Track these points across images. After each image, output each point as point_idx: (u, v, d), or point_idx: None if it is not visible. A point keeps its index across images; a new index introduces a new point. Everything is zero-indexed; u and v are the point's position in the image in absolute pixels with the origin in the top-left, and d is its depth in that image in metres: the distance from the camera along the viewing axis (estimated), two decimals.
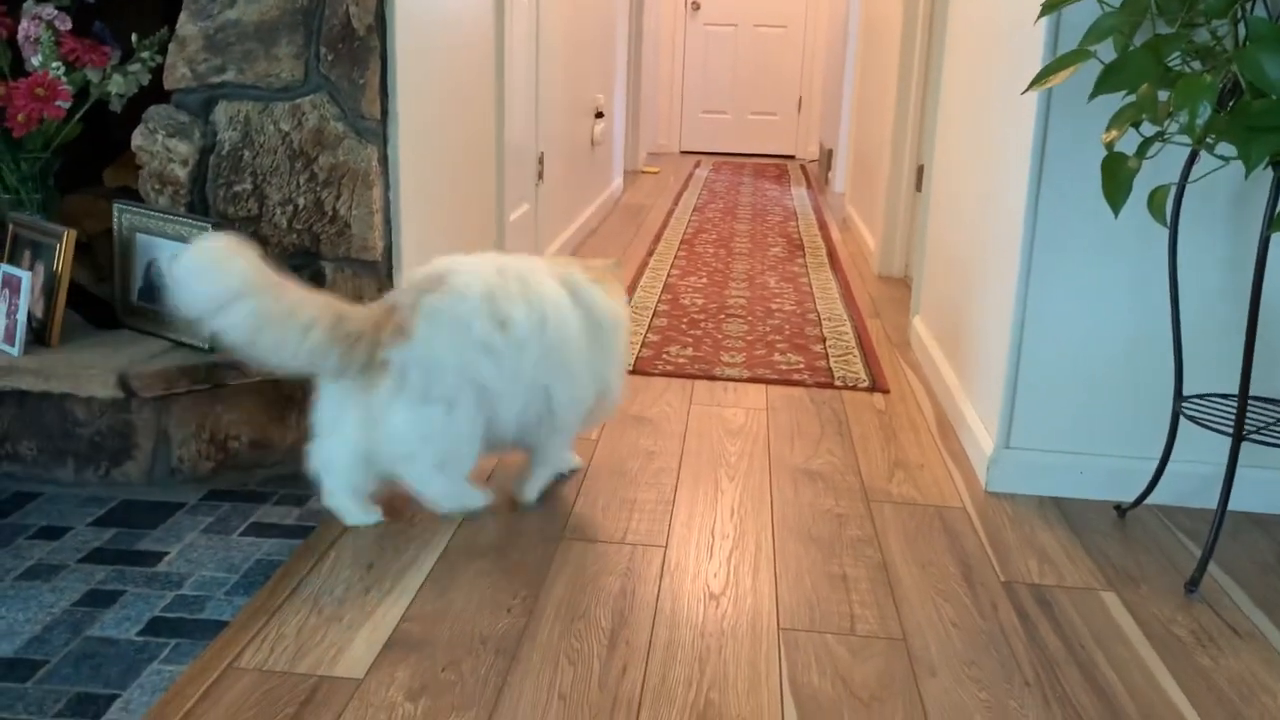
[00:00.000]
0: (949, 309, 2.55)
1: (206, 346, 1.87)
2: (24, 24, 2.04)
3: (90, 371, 1.77)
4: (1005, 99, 2.11)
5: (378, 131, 1.99)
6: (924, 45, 3.55)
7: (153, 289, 1.95)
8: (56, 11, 2.05)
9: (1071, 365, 1.97)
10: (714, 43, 7.54)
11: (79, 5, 2.17)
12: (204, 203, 2.00)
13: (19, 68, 2.06)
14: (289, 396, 1.96)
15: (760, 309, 3.26)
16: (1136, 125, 1.63)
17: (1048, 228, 1.91)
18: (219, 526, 1.74)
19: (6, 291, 1.84)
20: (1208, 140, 1.55)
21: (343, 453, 1.65)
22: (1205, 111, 1.46)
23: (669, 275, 3.66)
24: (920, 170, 3.67)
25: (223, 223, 1.99)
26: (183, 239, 1.88)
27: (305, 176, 1.98)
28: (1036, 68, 1.87)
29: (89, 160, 2.28)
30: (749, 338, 2.94)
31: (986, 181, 2.24)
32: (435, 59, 2.23)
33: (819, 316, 3.19)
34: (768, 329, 3.04)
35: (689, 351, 2.78)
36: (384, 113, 2.00)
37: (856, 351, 2.84)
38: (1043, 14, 1.70)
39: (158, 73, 2.03)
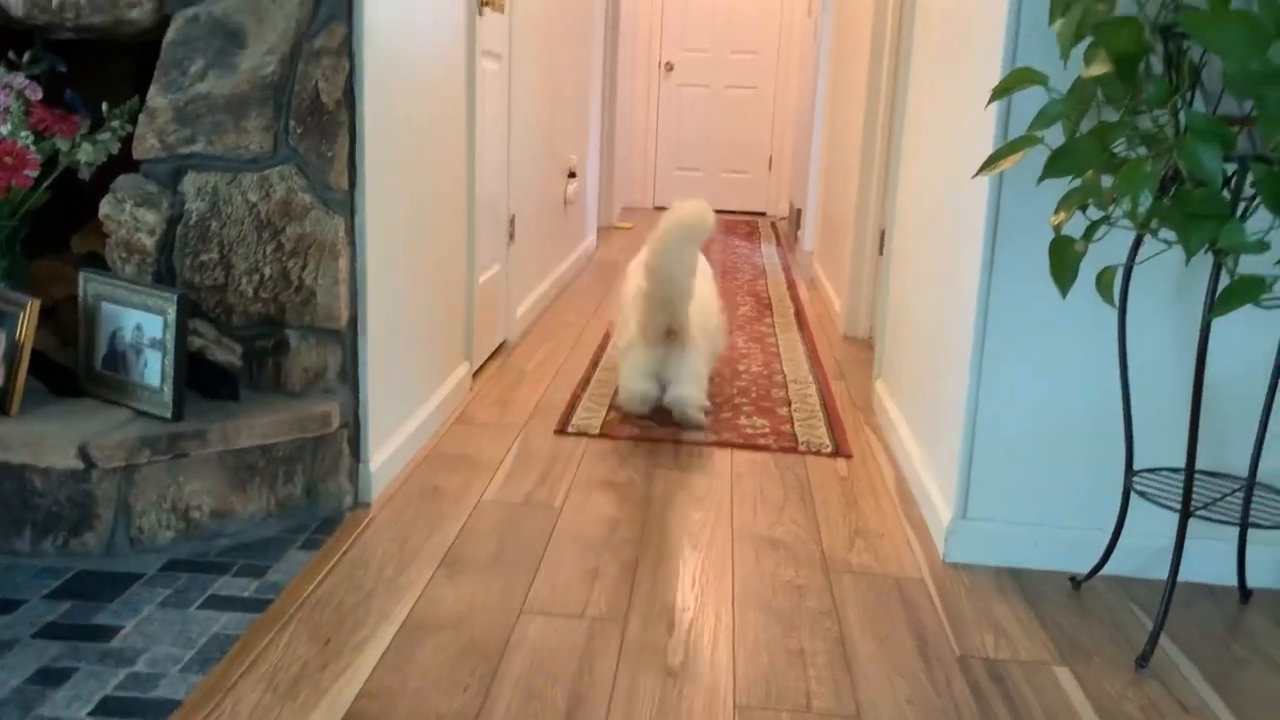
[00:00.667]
0: (909, 375, 2.59)
1: (169, 415, 1.88)
2: None
3: (49, 441, 1.77)
4: (960, 173, 2.17)
5: (345, 202, 2.02)
6: (886, 113, 3.63)
7: (116, 357, 1.95)
8: (28, 81, 2.07)
9: (1027, 437, 2.00)
10: (687, 103, 7.65)
11: (50, 74, 2.19)
12: (170, 271, 2.02)
13: None
14: (251, 465, 1.96)
15: (728, 370, 3.29)
16: (1083, 209, 1.68)
17: (1002, 301, 1.95)
18: (176, 599, 1.74)
19: None
20: (1151, 225, 1.60)
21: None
22: (1147, 199, 1.51)
23: None
24: (883, 234, 3.74)
25: (189, 292, 2.01)
26: (147, 309, 1.90)
27: (272, 246, 2.00)
28: (990, 148, 1.93)
29: (57, 225, 2.29)
30: (717, 400, 2.96)
31: (942, 252, 2.28)
32: (406, 128, 2.27)
33: (785, 379, 3.22)
34: (735, 391, 3.06)
35: (656, 416, 2.80)
36: (352, 184, 2.03)
37: (821, 415, 2.87)
38: (992, 99, 1.75)
39: (127, 141, 2.05)
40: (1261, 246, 1.44)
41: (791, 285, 4.85)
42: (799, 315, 4.18)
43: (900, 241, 2.89)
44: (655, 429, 2.68)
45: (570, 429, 2.66)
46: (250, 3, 1.92)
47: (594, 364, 3.28)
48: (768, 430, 2.72)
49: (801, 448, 2.61)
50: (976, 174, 1.72)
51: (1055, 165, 1.64)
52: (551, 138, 4.13)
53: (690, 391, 2.66)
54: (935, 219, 2.41)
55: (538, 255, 3.96)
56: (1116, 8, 1.65)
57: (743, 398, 3.00)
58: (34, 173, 2.02)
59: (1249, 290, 1.46)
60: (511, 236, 3.41)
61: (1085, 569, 2.01)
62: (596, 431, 2.65)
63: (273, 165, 1.97)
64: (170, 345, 1.87)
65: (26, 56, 2.13)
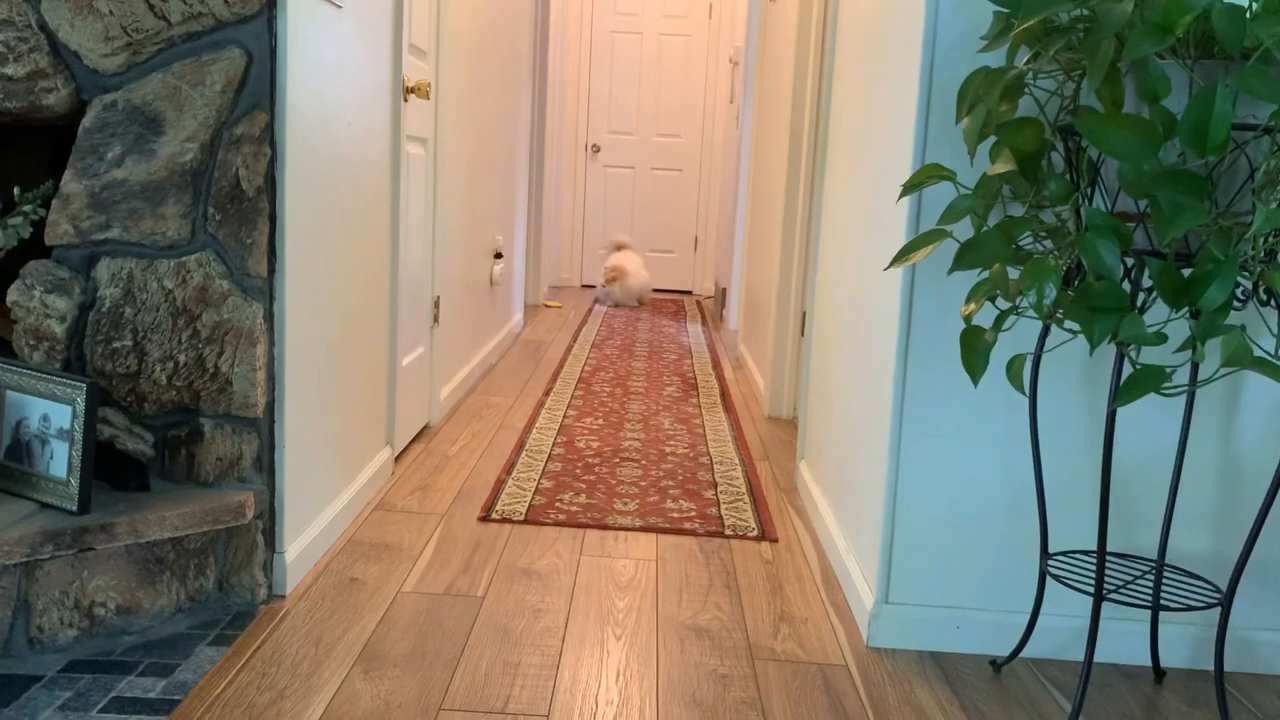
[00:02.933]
0: (830, 458, 2.62)
1: (74, 508, 1.81)
2: None
3: None
4: (875, 261, 2.22)
5: (264, 289, 2.00)
6: (806, 198, 3.73)
7: (20, 448, 1.89)
8: None
9: (946, 520, 2.03)
10: (613, 183, 7.76)
11: None
12: (81, 359, 1.97)
13: None
14: (160, 559, 1.90)
15: (655, 452, 3.29)
16: (992, 299, 1.73)
17: (918, 388, 2.00)
18: (77, 703, 1.66)
19: None
20: (1057, 315, 1.65)
21: None
22: (1051, 292, 1.57)
23: (565, 416, 3.68)
24: (804, 316, 3.80)
25: (99, 379, 1.96)
26: (55, 398, 1.84)
27: (188, 334, 1.96)
28: (902, 238, 1.98)
29: None
30: (643, 483, 2.96)
31: (859, 338, 2.33)
32: (328, 213, 2.26)
33: (711, 460, 3.23)
34: (661, 473, 3.06)
35: (582, 499, 2.78)
36: (271, 270, 2.01)
37: (747, 498, 2.88)
38: (903, 194, 1.81)
39: (40, 226, 2.01)
40: (1160, 339, 1.49)
41: (717, 365, 4.89)
42: (724, 396, 4.22)
43: (820, 325, 2.94)
44: (580, 515, 2.67)
45: (494, 515, 2.63)
46: (170, 90, 1.91)
47: (520, 446, 3.26)
48: (694, 513, 2.72)
49: (728, 531, 2.61)
50: (889, 266, 1.77)
51: (964, 258, 1.69)
52: (477, 220, 4.15)
53: None
54: (852, 305, 2.47)
55: (463, 337, 3.95)
56: (1017, 109, 1.72)
57: (669, 480, 3.00)
58: None
59: (1150, 380, 1.51)
60: (436, 319, 3.40)
61: (1005, 651, 2.03)
62: (521, 517, 2.62)
63: (190, 252, 1.95)
64: (78, 436, 1.81)
65: None
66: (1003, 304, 1.79)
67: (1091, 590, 1.75)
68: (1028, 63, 1.67)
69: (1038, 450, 1.84)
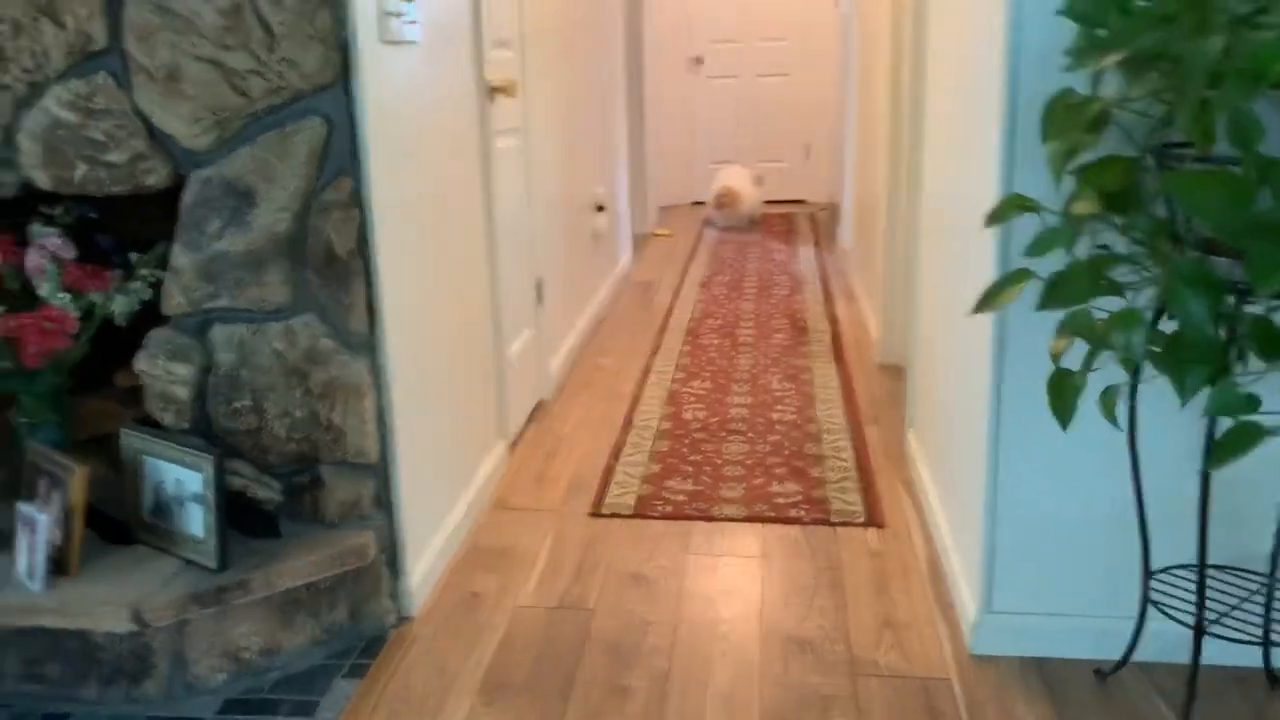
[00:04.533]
0: (934, 441, 2.61)
1: (214, 566, 1.98)
2: (30, 254, 2.16)
3: (105, 608, 1.88)
4: (966, 246, 2.17)
5: (367, 344, 2.09)
6: (909, 132, 3.61)
7: (162, 508, 2.05)
8: (60, 240, 2.17)
9: (1048, 528, 2.02)
10: (719, 94, 7.61)
11: (81, 221, 2.29)
12: (206, 418, 2.11)
13: (29, 291, 2.18)
14: (295, 600, 2.06)
15: (762, 421, 3.32)
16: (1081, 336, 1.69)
17: (1015, 392, 1.97)
18: None
19: (26, 530, 1.95)
20: (1145, 362, 1.60)
21: None
22: (1140, 343, 1.52)
23: (672, 380, 3.74)
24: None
25: (224, 436, 2.10)
26: (185, 464, 1.99)
27: (301, 391, 2.08)
28: (990, 256, 1.93)
29: (101, 360, 2.38)
30: (748, 461, 3.01)
31: (956, 329, 2.29)
32: (423, 251, 2.33)
33: (819, 429, 3.25)
34: (768, 447, 3.10)
35: (689, 485, 2.85)
36: (372, 326, 2.10)
37: (854, 475, 2.90)
38: (988, 224, 1.76)
39: (159, 285, 2.13)
40: (1252, 405, 1.44)
41: (829, 299, 4.84)
42: (835, 340, 4.19)
43: (922, 291, 2.89)
44: (687, 505, 2.74)
45: (604, 509, 2.73)
46: (258, 163, 1.99)
47: (627, 423, 3.33)
48: (800, 498, 2.76)
49: (834, 518, 2.65)
50: (974, 311, 1.74)
51: (1051, 297, 1.64)
52: (576, 180, 4.17)
53: None
54: (948, 289, 2.42)
55: (569, 304, 4.02)
56: (1102, 136, 1.64)
57: (775, 456, 3.04)
58: (73, 332, 2.12)
59: (1247, 439, 1.46)
60: (540, 298, 3.47)
61: (1111, 655, 2.03)
62: (630, 511, 2.72)
63: (295, 315, 2.05)
64: (210, 500, 1.96)
65: (59, 209, 2.22)
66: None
67: (1190, 624, 1.73)
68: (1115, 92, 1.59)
69: (1137, 471, 1.80)
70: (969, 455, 2.18)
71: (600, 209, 4.61)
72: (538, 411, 3.47)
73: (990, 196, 1.95)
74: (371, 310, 2.09)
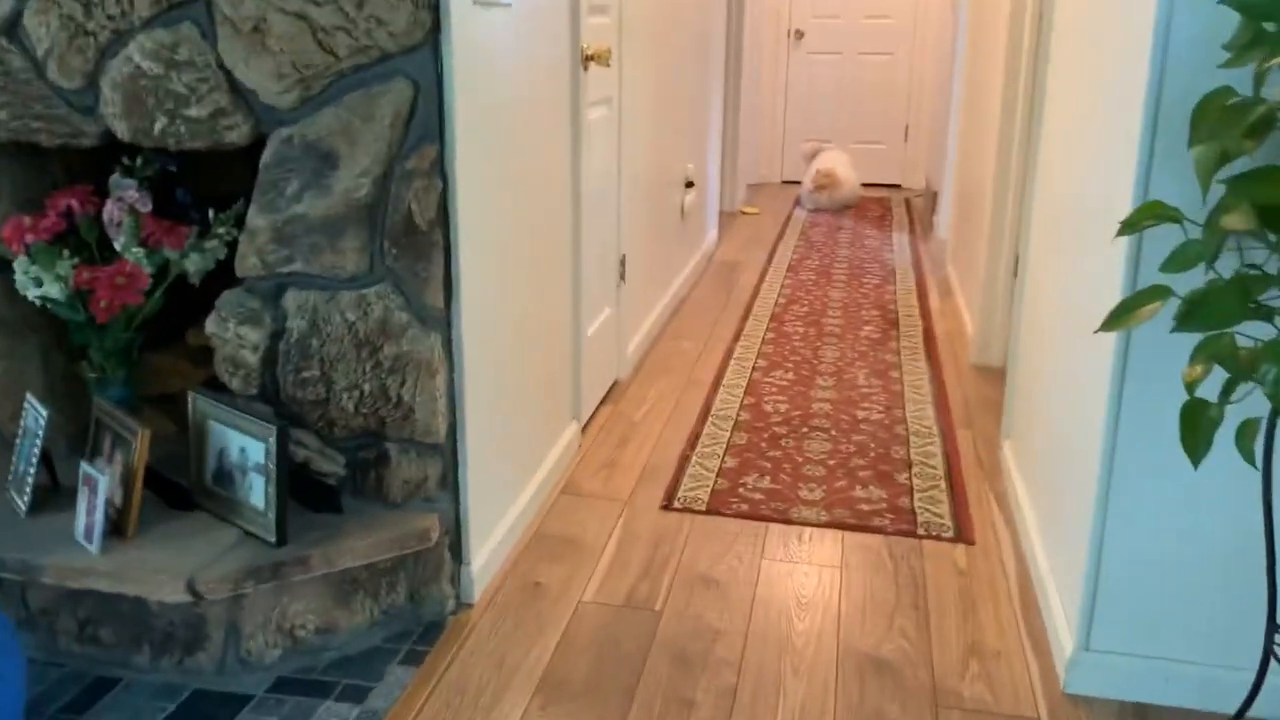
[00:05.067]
0: (1033, 455, 2.44)
1: (273, 540, 1.91)
2: (109, 206, 2.11)
3: (160, 577, 1.83)
4: (1087, 244, 2.00)
5: (442, 319, 2.00)
6: (1024, 118, 3.41)
7: (224, 475, 2.00)
8: (138, 194, 2.11)
9: (1160, 565, 1.85)
10: (818, 71, 7.38)
11: (162, 173, 2.23)
12: (274, 385, 2.04)
13: (105, 243, 2.13)
14: (354, 579, 1.99)
15: (846, 418, 3.17)
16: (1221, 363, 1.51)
17: (1135, 413, 1.80)
18: None
19: (87, 489, 1.91)
20: None
21: None
22: None
23: (754, 369, 3.60)
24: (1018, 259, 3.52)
25: (290, 405, 2.03)
26: (250, 434, 1.93)
27: (371, 364, 2.00)
28: (1119, 264, 1.76)
29: (172, 317, 2.34)
30: (830, 461, 2.87)
31: (1069, 336, 2.12)
32: (505, 225, 2.23)
33: (908, 430, 3.09)
34: (852, 448, 2.96)
35: (766, 483, 2.73)
36: (448, 301, 2.00)
37: (944, 484, 2.74)
38: (1122, 233, 1.60)
39: (234, 246, 2.07)
40: None
41: (923, 292, 4.65)
42: (928, 337, 4.01)
43: (1031, 296, 2.71)
44: (763, 504, 2.62)
45: (676, 503, 2.62)
46: (342, 125, 1.90)
47: (705, 412, 3.21)
48: (884, 505, 2.62)
49: (920, 531, 2.50)
50: (1100, 329, 1.57)
51: (1190, 318, 1.48)
52: (666, 156, 4.03)
53: None
54: (1063, 295, 2.24)
55: (651, 283, 3.90)
56: (1263, 144, 1.46)
57: (860, 458, 2.90)
58: (145, 288, 2.07)
59: None
60: (622, 277, 3.35)
61: (1218, 708, 1.86)
62: (703, 507, 2.60)
63: (369, 285, 1.97)
64: (273, 473, 1.90)
65: (139, 160, 2.17)
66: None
67: None
68: None
69: (1271, 520, 1.63)
70: (1076, 478, 2.01)
71: (689, 185, 4.47)
72: (613, 393, 3.36)
73: (1123, 201, 1.78)
74: (449, 285, 1.99)
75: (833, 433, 3.07)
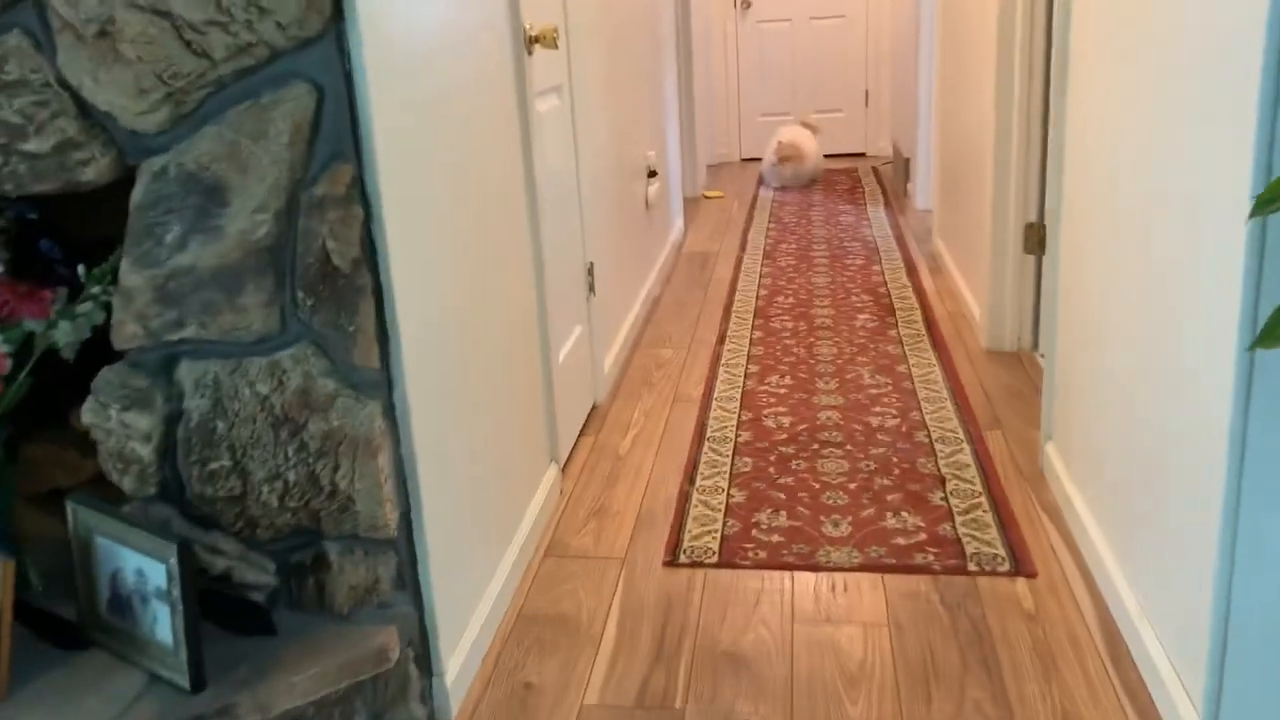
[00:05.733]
0: (1100, 464, 2.07)
1: (187, 686, 1.49)
2: None
3: None
4: (1179, 271, 1.62)
5: (378, 382, 1.58)
6: (1027, 65, 3.03)
7: (121, 603, 1.57)
8: None
9: None
10: (769, 40, 6.98)
11: (18, 223, 1.80)
12: (177, 481, 1.62)
13: None
14: (299, 718, 1.57)
15: (859, 427, 2.79)
16: None
17: (1267, 444, 1.42)
18: None
19: None
20: None
21: None
22: None
23: (746, 376, 3.21)
24: (1033, 231, 3.16)
25: (201, 504, 1.61)
26: (146, 553, 1.50)
27: (294, 446, 1.58)
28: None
29: (50, 396, 1.90)
30: (851, 484, 2.48)
31: (1154, 311, 1.75)
32: (449, 254, 1.81)
33: (930, 437, 2.71)
34: (873, 464, 2.58)
35: (782, 519, 2.34)
36: (384, 358, 1.58)
37: (985, 502, 2.37)
38: (1256, 213, 1.21)
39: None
40: None
41: (912, 271, 4.28)
42: (929, 321, 3.63)
43: (1071, 260, 2.34)
44: (784, 548, 2.22)
45: (682, 556, 2.22)
46: (228, 149, 1.47)
47: (699, 434, 2.82)
48: (924, 536, 2.24)
49: (972, 566, 2.12)
50: (1254, 346, 1.19)
51: None
52: (627, 145, 3.62)
53: None
54: (1133, 261, 1.87)
55: (622, 288, 3.49)
56: None
57: (884, 476, 2.52)
58: (5, 373, 1.63)
59: None
60: (591, 288, 2.94)
61: None
62: (715, 558, 2.21)
63: (283, 348, 1.54)
64: (178, 602, 1.48)
65: None
66: None
67: None
68: None
69: None
70: (1177, 501, 1.64)
71: (652, 174, 4.06)
72: (592, 419, 2.96)
73: (1235, 177, 1.40)
74: (384, 337, 1.58)
75: (847, 447, 2.68)
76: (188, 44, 1.44)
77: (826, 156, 6.59)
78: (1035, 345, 3.26)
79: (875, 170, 6.60)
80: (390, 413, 1.60)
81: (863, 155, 7.10)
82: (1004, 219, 3.22)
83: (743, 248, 4.80)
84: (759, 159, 6.63)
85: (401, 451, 1.63)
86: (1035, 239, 3.16)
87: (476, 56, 2.00)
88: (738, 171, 6.85)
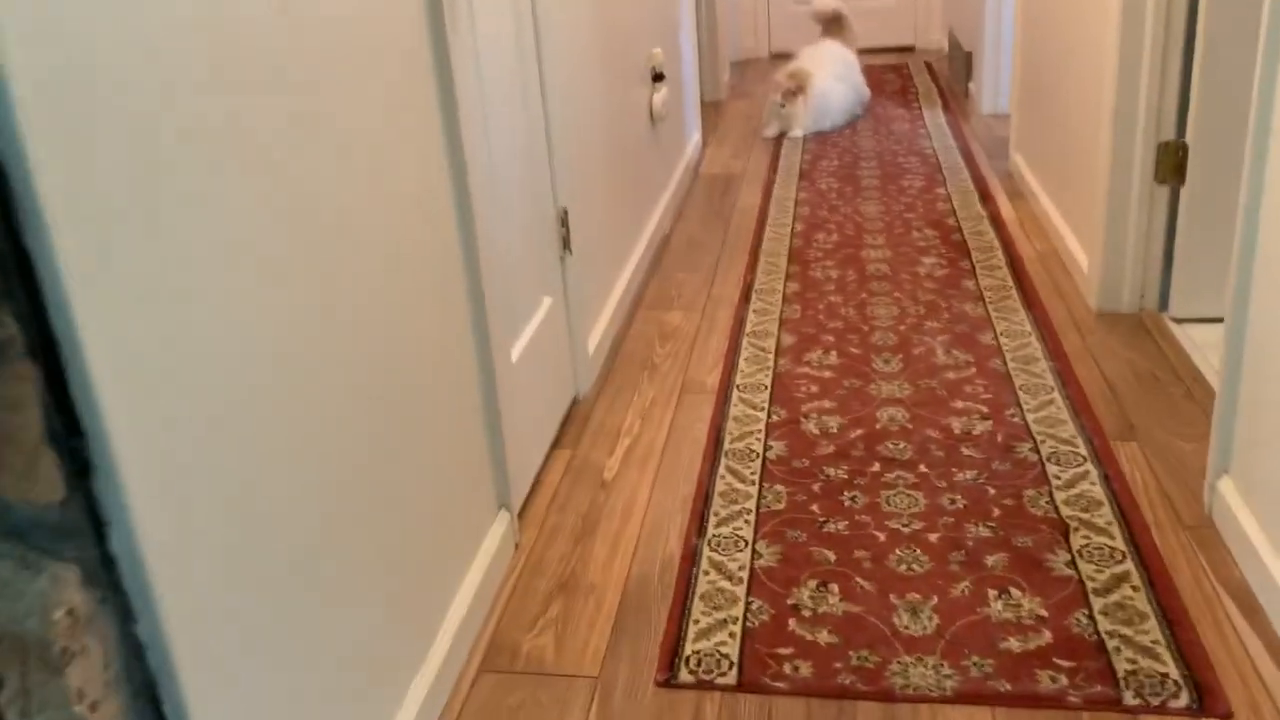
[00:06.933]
0: None
1: None
2: None
3: None
4: None
5: (69, 527, 0.82)
6: None
7: None
8: None
9: None
10: None
11: None
12: None
13: None
14: None
15: (935, 436, 2.02)
16: None
17: None
18: None
19: None
20: None
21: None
22: None
23: (778, 352, 2.43)
24: (1169, 150, 2.32)
25: None
26: None
27: None
28: None
29: None
30: (932, 536, 1.72)
31: None
32: (249, 259, 1.03)
33: (1039, 454, 1.94)
34: (961, 501, 1.81)
35: (834, 601, 1.59)
36: (81, 478, 0.82)
37: (1134, 571, 1.60)
38: None
39: None
40: None
41: (987, 196, 3.43)
42: (1017, 269, 2.81)
43: (1275, 217, 1.52)
44: (836, 659, 1.48)
45: (685, 672, 1.48)
46: None
47: (713, 450, 2.05)
48: (1048, 636, 1.48)
49: (1129, 699, 1.37)
50: None
51: None
52: (623, 44, 2.78)
53: None
54: None
55: (616, 237, 2.69)
56: None
57: (978, 520, 1.75)
58: None
59: None
60: (566, 243, 2.15)
61: None
62: (733, 679, 1.46)
63: None
64: None
65: None
66: None
67: None
68: None
69: None
70: None
71: (659, 78, 3.21)
72: (571, 421, 2.20)
73: None
74: (71, 441, 0.81)
75: (921, 468, 1.92)
76: None
77: (871, 51, 5.60)
78: (1164, 305, 2.46)
79: (929, 66, 5.66)
80: (102, 577, 0.85)
81: (911, 50, 6.14)
82: (1129, 138, 2.37)
83: (773, 167, 3.95)
84: (790, 55, 5.68)
85: (141, 637, 0.88)
86: (1171, 163, 2.32)
87: None
88: (766, 70, 5.92)
